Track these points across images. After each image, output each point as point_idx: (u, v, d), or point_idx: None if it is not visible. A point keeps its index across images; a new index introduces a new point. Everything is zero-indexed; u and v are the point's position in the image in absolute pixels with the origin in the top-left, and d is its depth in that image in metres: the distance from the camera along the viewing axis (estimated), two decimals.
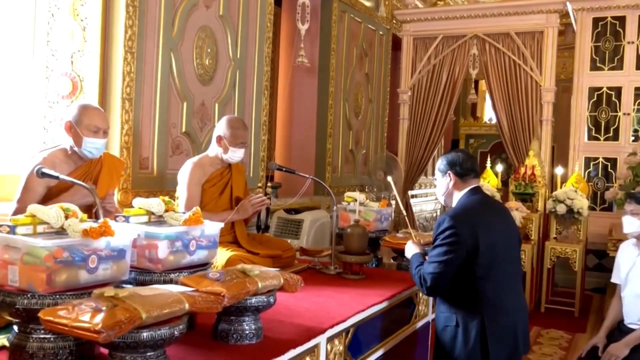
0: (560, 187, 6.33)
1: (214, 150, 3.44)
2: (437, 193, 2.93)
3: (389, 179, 3.64)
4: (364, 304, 2.77)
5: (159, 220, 2.36)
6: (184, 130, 4.21)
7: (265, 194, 4.57)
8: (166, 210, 2.38)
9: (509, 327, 2.64)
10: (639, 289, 3.39)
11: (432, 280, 2.61)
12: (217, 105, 4.49)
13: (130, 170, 3.76)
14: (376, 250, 4.06)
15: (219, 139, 3.40)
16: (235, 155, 3.40)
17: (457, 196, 2.78)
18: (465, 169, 2.77)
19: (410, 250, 2.91)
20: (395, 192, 3.44)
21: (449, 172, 2.78)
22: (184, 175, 3.35)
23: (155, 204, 2.35)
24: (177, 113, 4.14)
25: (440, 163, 2.84)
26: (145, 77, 3.84)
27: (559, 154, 8.74)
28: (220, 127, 3.42)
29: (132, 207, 2.38)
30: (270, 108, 5.68)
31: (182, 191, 3.34)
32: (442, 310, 2.71)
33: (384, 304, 2.92)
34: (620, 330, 3.43)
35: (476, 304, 2.59)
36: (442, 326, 2.70)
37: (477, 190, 2.79)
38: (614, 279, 3.61)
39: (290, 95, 6.42)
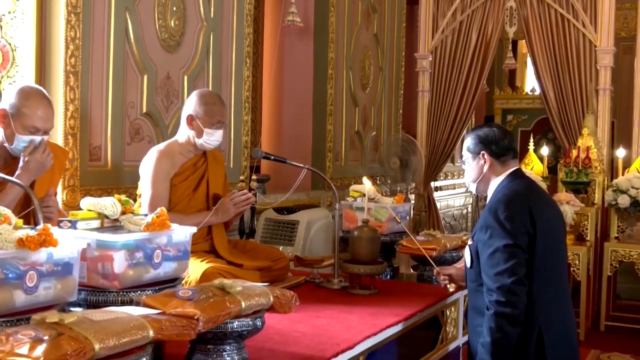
0: (623, 174, 6.32)
1: (184, 134, 3.43)
2: (466, 179, 2.93)
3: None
4: (376, 326, 2.77)
5: (115, 226, 2.36)
6: (144, 110, 4.19)
7: (250, 190, 4.57)
8: (123, 213, 2.37)
9: (566, 341, 2.69)
10: None
11: (510, 276, 2.53)
12: (186, 78, 4.48)
13: (78, 162, 3.75)
14: (391, 257, 4.07)
15: (190, 119, 3.39)
16: (212, 138, 3.39)
17: (495, 182, 2.79)
18: (502, 148, 2.78)
19: None
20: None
21: (483, 152, 2.79)
22: (147, 167, 3.34)
23: (109, 204, 2.34)
24: (135, 89, 4.13)
25: (470, 141, 2.84)
26: (95, 45, 3.82)
27: (620, 131, 8.74)
28: (191, 104, 3.41)
29: (80, 209, 2.37)
30: (254, 81, 5.65)
31: (145, 188, 3.33)
32: (480, 323, 2.68)
33: (402, 326, 2.92)
34: None
35: (532, 312, 2.61)
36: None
37: (519, 173, 2.82)
38: None
39: (279, 64, 6.41)
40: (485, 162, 2.79)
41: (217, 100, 3.47)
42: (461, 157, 2.92)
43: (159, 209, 2.32)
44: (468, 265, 2.79)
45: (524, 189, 2.74)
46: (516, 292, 2.54)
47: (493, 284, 2.57)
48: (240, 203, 3.43)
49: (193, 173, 3.44)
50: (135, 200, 3.27)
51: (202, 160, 3.49)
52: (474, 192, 2.95)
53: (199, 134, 3.38)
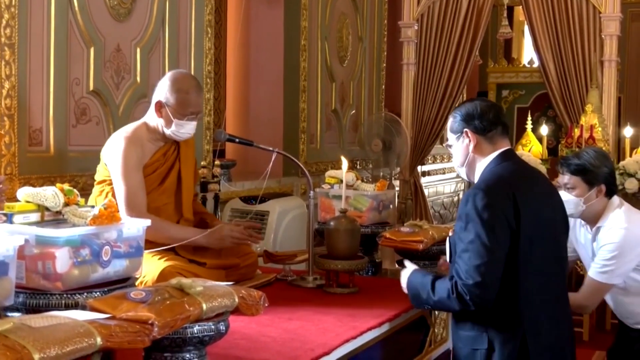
0: (630, 155, 6.39)
1: (153, 119, 3.39)
2: (454, 164, 2.93)
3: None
4: (355, 328, 2.78)
5: (57, 219, 2.34)
6: (91, 88, 4.17)
7: (213, 177, 4.56)
8: (66, 204, 2.35)
9: (556, 347, 2.70)
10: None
11: (480, 275, 2.51)
12: (138, 50, 4.46)
13: (15, 147, 3.73)
14: (372, 251, 4.08)
15: (159, 106, 3.35)
16: (182, 130, 3.36)
17: (482, 164, 2.78)
18: (487, 121, 2.75)
19: (405, 275, 2.85)
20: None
21: (465, 130, 2.78)
22: (115, 157, 3.26)
23: (50, 195, 2.33)
24: (80, 63, 4.10)
25: (452, 121, 2.83)
26: (33, 13, 3.79)
27: (628, 108, 8.83)
28: (162, 89, 3.37)
29: (17, 200, 2.35)
30: (216, 53, 5.62)
31: (117, 183, 3.26)
32: (465, 329, 2.72)
33: (385, 328, 2.94)
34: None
35: (516, 316, 2.62)
36: (468, 351, 2.71)
37: (510, 154, 2.81)
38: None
39: (245, 34, 6.38)
40: (470, 140, 2.78)
41: (192, 87, 3.40)
42: (446, 140, 2.92)
43: (106, 200, 2.30)
44: (448, 259, 2.79)
45: (509, 173, 2.71)
46: (482, 297, 2.54)
47: (466, 263, 2.55)
48: (240, 239, 3.42)
49: (163, 164, 3.43)
50: (80, 191, 3.23)
51: (174, 148, 3.47)
52: (465, 178, 2.94)
53: (168, 124, 3.34)
